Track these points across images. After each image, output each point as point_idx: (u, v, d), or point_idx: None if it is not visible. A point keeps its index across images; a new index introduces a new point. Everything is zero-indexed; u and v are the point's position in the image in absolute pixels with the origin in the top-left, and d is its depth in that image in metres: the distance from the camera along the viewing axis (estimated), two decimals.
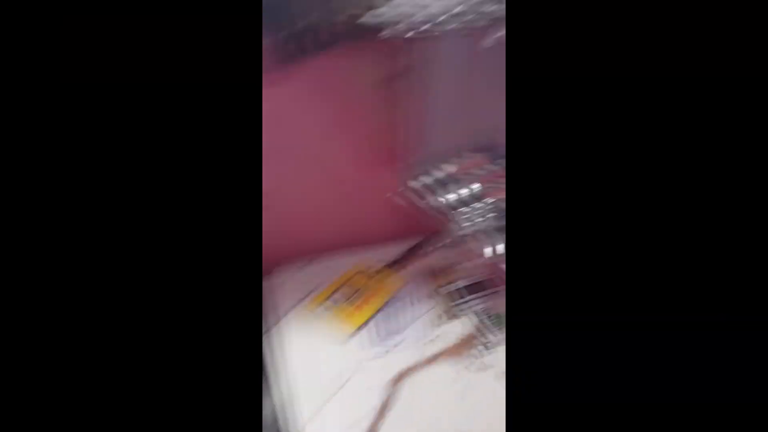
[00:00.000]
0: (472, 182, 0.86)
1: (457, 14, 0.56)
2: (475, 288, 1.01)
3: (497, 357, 0.85)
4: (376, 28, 0.67)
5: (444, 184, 0.88)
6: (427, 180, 0.86)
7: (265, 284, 1.07)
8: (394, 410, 0.77)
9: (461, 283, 1.02)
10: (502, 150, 0.94)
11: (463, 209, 0.82)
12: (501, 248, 0.75)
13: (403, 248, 1.19)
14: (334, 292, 1.01)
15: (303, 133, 0.87)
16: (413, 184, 0.88)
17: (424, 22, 0.60)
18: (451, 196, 0.85)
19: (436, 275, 1.09)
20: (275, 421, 0.79)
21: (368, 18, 0.67)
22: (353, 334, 0.91)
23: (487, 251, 0.75)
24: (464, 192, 0.85)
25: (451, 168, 0.89)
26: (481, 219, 0.78)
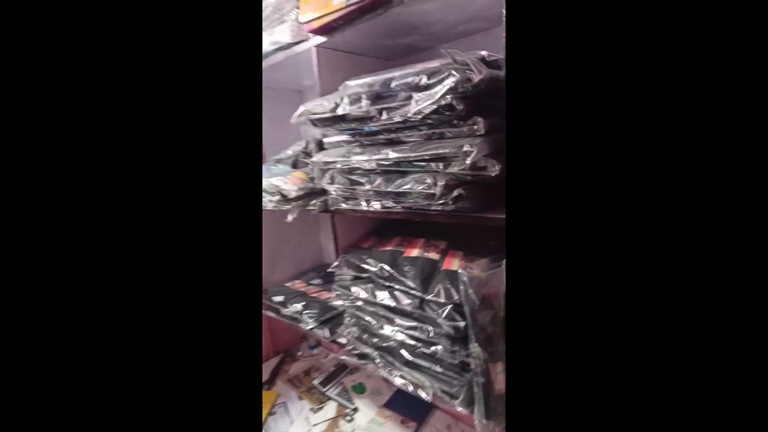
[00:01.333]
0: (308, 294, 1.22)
1: None
2: (327, 379, 1.30)
3: (362, 417, 1.12)
4: None
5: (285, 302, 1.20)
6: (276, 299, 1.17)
7: None
8: None
9: (317, 381, 1.29)
10: (326, 268, 1.38)
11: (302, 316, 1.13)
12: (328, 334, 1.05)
13: (269, 368, 1.38)
14: None
15: None
16: (270, 303, 1.17)
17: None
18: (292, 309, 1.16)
19: (299, 381, 1.32)
20: None
21: None
22: None
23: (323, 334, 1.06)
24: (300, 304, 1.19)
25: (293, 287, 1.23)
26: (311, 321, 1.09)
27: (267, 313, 1.18)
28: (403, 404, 1.12)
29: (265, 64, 0.95)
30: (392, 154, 0.62)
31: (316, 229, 1.44)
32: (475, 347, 0.59)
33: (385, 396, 1.18)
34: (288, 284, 1.26)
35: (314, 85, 1.26)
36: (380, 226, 1.00)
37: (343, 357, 0.88)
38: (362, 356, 0.86)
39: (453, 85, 0.51)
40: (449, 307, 0.63)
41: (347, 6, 0.67)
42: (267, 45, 0.92)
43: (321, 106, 0.69)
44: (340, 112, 0.66)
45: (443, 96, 0.52)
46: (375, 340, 0.81)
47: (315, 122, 0.73)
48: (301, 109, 0.74)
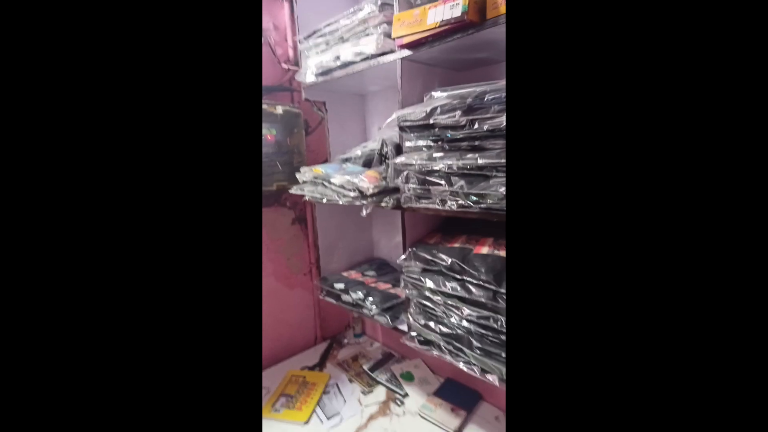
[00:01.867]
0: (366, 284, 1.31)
1: None
2: (376, 366, 1.38)
3: (411, 402, 1.20)
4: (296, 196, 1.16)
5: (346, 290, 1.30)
6: (339, 285, 1.27)
7: None
8: None
9: (366, 366, 1.38)
10: (378, 261, 1.47)
11: (365, 302, 1.23)
12: (389, 321, 1.15)
13: (319, 352, 1.49)
14: (276, 401, 1.20)
15: None
16: (330, 288, 1.27)
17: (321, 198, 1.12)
18: (356, 295, 1.26)
19: (348, 365, 1.42)
20: None
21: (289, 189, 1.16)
22: (306, 422, 1.12)
23: (383, 321, 1.15)
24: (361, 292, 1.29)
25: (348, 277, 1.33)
26: (375, 308, 1.19)
27: (328, 299, 1.28)
28: (451, 394, 1.19)
29: (345, 71, 1.05)
30: (480, 160, 0.70)
31: (369, 225, 1.53)
32: None
33: (433, 386, 1.26)
34: (344, 274, 1.36)
35: (379, 90, 1.36)
36: (442, 225, 1.08)
37: (407, 343, 0.97)
38: (426, 342, 0.94)
39: None
40: None
41: (441, 26, 0.75)
42: (350, 55, 1.01)
43: (414, 113, 0.78)
44: (432, 120, 0.74)
45: None
46: (441, 328, 0.89)
47: (405, 128, 0.82)
48: (395, 114, 0.82)
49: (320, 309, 1.58)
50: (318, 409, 1.17)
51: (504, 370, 0.75)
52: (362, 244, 1.52)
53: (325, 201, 1.10)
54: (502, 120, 0.65)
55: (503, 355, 0.76)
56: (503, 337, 0.75)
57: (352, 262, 1.47)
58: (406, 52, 0.87)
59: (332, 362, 1.44)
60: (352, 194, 1.00)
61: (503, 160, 0.67)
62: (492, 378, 0.77)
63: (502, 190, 0.68)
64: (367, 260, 1.49)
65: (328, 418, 1.13)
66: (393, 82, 0.93)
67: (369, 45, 0.96)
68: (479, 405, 1.16)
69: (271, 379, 1.33)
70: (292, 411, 1.16)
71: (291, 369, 1.38)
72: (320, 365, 1.43)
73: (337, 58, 1.05)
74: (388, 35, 0.91)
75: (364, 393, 1.27)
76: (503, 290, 0.74)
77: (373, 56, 0.96)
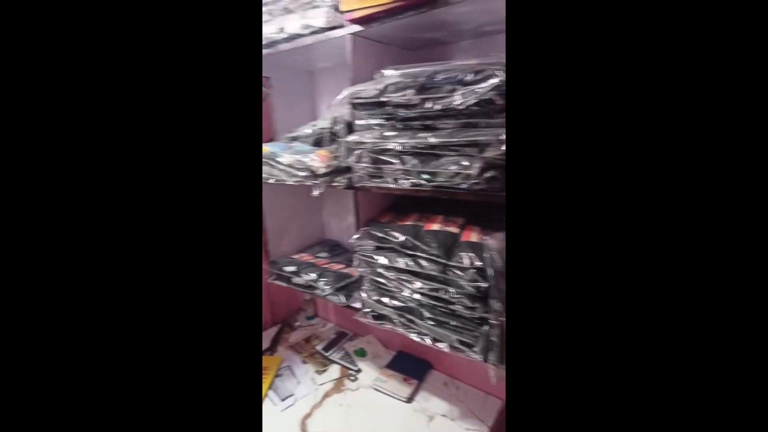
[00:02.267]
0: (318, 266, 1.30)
1: None
2: (329, 345, 1.40)
3: (365, 376, 1.23)
4: None
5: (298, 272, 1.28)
6: (290, 268, 1.24)
7: None
8: None
9: (319, 347, 1.39)
10: (331, 243, 1.46)
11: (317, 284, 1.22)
12: (344, 299, 1.16)
13: (270, 336, 1.46)
14: None
15: None
16: (281, 272, 1.24)
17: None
18: (306, 278, 1.24)
19: (301, 347, 1.42)
20: None
21: None
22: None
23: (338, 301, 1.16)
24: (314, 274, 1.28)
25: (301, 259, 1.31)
26: (328, 288, 1.19)
27: (278, 282, 1.26)
28: (403, 366, 1.25)
29: (291, 45, 1.00)
30: (432, 139, 0.72)
31: (320, 207, 1.51)
32: (496, 304, 0.71)
33: (386, 359, 1.30)
34: (295, 256, 1.33)
35: (330, 68, 1.32)
36: (394, 205, 1.10)
37: (361, 319, 0.99)
38: (379, 317, 0.96)
39: (498, 83, 0.61)
40: (473, 270, 0.74)
41: (394, 2, 0.74)
42: (297, 27, 0.97)
43: (366, 91, 0.77)
44: (384, 98, 0.74)
45: (487, 92, 0.62)
46: (394, 302, 0.92)
47: (356, 105, 0.81)
48: (346, 92, 0.81)
49: (270, 293, 1.54)
50: (271, 393, 1.16)
51: (454, 338, 0.81)
52: (313, 226, 1.50)
53: (272, 181, 1.07)
54: (453, 99, 0.67)
55: (452, 323, 0.81)
56: (452, 307, 0.80)
57: (304, 244, 1.44)
58: (357, 28, 0.86)
59: (284, 345, 1.43)
60: (302, 173, 0.98)
61: (455, 139, 0.69)
62: (442, 346, 0.82)
63: (454, 168, 0.71)
64: (318, 242, 1.48)
65: (282, 400, 1.13)
66: (344, 59, 0.91)
67: (317, 18, 0.92)
68: (429, 373, 1.23)
69: None
70: None
71: None
72: (271, 349, 1.40)
73: (281, 29, 1.00)
74: (337, 8, 0.89)
75: (318, 373, 1.28)
76: (453, 263, 0.78)
77: (322, 30, 0.93)
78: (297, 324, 1.59)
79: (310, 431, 1.04)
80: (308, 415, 1.09)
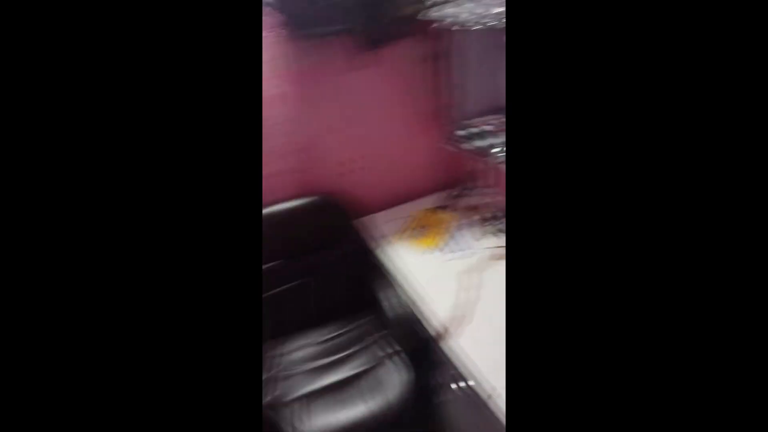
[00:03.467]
0: (495, 133, 1.19)
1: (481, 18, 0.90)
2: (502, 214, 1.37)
3: None
4: (429, 22, 1.05)
5: (477, 135, 1.21)
6: (464, 132, 1.20)
7: (368, 221, 1.46)
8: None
9: (491, 214, 1.39)
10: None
11: (495, 150, 1.14)
12: None
13: (451, 194, 1.56)
14: (412, 228, 1.41)
15: (376, 103, 1.27)
16: (457, 134, 1.22)
17: (461, 22, 0.94)
18: (484, 142, 1.17)
19: (476, 209, 1.45)
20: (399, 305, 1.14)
21: (423, 15, 1.04)
22: (440, 249, 1.30)
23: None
24: (491, 139, 1.18)
25: (479, 123, 1.22)
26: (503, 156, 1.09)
27: (458, 145, 1.23)
28: None
29: None
30: None
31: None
32: None
33: None
34: (478, 119, 1.24)
35: None
36: None
37: None
38: None
39: None
40: None
41: None
42: None
43: None
44: None
45: None
46: None
47: None
48: None
49: (445, 155, 1.55)
50: (445, 243, 1.31)
51: None
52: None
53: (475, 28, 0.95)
54: None
55: None
56: None
57: (489, 107, 1.31)
58: None
59: (461, 204, 1.49)
60: None
61: None
62: None
63: None
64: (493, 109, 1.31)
65: (448, 252, 1.26)
66: None
67: None
68: None
69: (393, 216, 1.49)
70: (426, 239, 1.34)
71: (414, 210, 1.50)
72: (449, 206, 1.50)
73: None
74: None
75: (485, 235, 1.32)
76: None
77: None
78: (470, 190, 1.59)
79: (463, 285, 1.14)
80: (466, 271, 1.18)
